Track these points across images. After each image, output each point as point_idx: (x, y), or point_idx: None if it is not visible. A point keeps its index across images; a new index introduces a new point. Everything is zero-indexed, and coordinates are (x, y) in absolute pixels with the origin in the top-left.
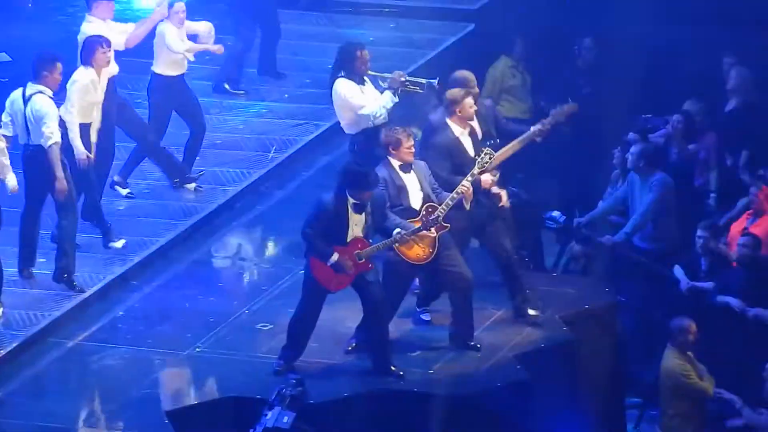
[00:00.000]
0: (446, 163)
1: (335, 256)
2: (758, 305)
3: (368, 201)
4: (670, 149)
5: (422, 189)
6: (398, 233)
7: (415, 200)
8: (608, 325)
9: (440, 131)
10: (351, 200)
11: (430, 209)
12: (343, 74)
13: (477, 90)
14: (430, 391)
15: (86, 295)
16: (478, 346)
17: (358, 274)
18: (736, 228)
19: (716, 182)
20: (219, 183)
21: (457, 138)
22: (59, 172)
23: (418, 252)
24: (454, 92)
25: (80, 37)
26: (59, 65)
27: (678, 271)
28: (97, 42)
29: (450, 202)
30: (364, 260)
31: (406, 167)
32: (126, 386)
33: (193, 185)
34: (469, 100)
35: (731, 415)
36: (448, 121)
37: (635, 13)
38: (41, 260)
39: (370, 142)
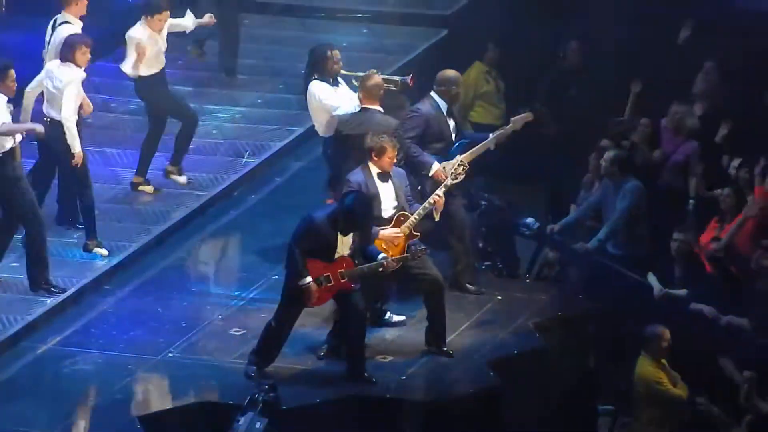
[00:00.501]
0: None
1: (307, 280)
2: (731, 312)
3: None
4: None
5: (397, 199)
6: (383, 258)
7: (387, 210)
8: (581, 332)
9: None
10: (342, 225)
11: (401, 218)
12: (316, 77)
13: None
14: (403, 397)
15: (60, 299)
16: (451, 352)
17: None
18: (705, 237)
19: (695, 189)
20: (192, 188)
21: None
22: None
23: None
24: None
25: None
26: (12, 72)
27: (651, 278)
28: (80, 41)
29: (422, 212)
30: (346, 280)
31: (384, 176)
32: (98, 391)
33: (184, 178)
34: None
35: None
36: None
37: (614, 16)
38: (13, 264)
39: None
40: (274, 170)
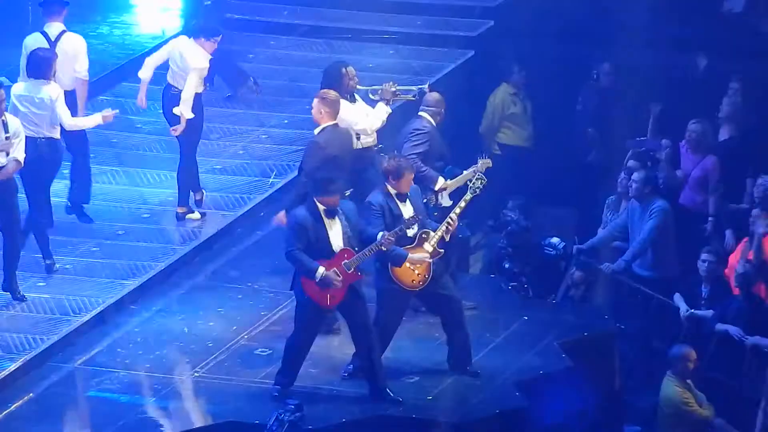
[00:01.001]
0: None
1: (321, 270)
2: (757, 334)
3: (336, 205)
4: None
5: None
6: (382, 236)
7: (411, 229)
8: (607, 353)
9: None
10: (321, 207)
11: (423, 235)
12: None
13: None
14: (428, 418)
15: (85, 319)
16: (478, 372)
17: (345, 298)
18: (734, 257)
19: (714, 207)
20: (218, 208)
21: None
22: None
23: (413, 277)
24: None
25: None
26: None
27: (678, 298)
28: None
29: (444, 228)
30: (353, 270)
31: (402, 197)
32: (124, 411)
33: (197, 213)
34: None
35: None
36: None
37: (641, 40)
38: (40, 284)
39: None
40: None
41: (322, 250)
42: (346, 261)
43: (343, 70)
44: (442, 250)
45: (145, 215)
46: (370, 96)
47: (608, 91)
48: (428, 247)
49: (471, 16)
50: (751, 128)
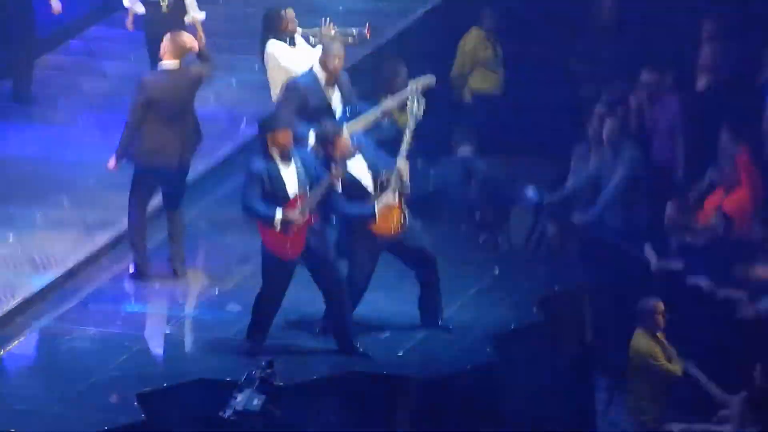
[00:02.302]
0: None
1: (279, 213)
2: (728, 286)
3: (289, 144)
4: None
5: (369, 167)
6: (334, 167)
7: (366, 180)
8: (579, 306)
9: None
10: (275, 150)
11: (384, 182)
12: (272, 38)
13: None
14: (399, 374)
15: (56, 275)
16: (449, 327)
17: (308, 252)
18: (709, 203)
19: (683, 154)
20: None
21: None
22: None
23: (389, 223)
24: None
25: None
26: None
27: (648, 249)
28: None
29: (397, 174)
30: (307, 213)
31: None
32: (95, 368)
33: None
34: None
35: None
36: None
37: None
38: (9, 241)
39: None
40: None
41: (278, 198)
42: (300, 206)
43: (282, 12)
44: (408, 190)
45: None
46: (311, 39)
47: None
48: (390, 190)
49: None
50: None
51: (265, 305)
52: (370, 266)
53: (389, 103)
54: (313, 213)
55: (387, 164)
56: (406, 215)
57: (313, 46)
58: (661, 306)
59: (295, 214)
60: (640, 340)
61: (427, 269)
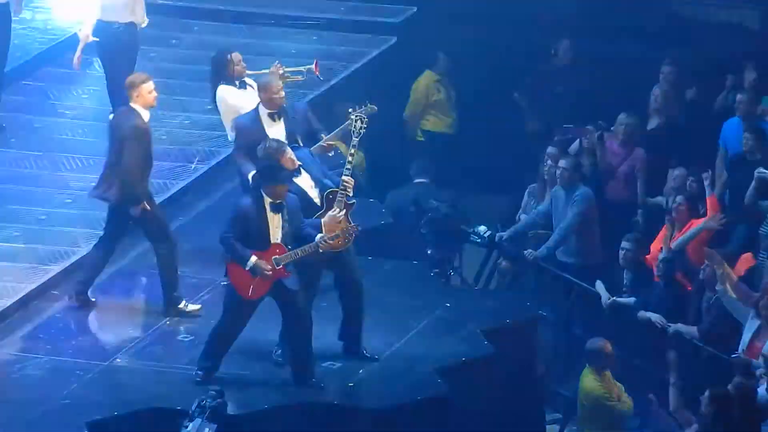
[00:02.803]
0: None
1: (253, 259)
2: (679, 321)
3: (284, 197)
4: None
5: (316, 184)
6: (320, 238)
7: (312, 192)
8: (529, 340)
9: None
10: (268, 200)
11: (330, 196)
12: (222, 82)
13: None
14: (350, 404)
15: (7, 304)
16: (376, 357)
17: (277, 283)
18: (655, 245)
19: (642, 198)
20: None
21: None
22: None
23: (337, 240)
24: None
25: None
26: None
27: (599, 286)
28: None
29: (347, 183)
30: (281, 266)
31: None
32: (46, 397)
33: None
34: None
35: None
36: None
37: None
38: None
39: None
40: (225, 176)
41: (258, 241)
42: (276, 257)
43: (228, 56)
44: (353, 202)
45: (68, 200)
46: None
47: (563, 68)
48: (339, 204)
49: (395, 2)
50: (677, 118)
51: (222, 338)
52: (315, 283)
53: (331, 136)
54: (288, 269)
55: (333, 181)
56: (352, 231)
57: None
58: (608, 346)
59: (268, 267)
60: (590, 380)
61: (353, 296)
